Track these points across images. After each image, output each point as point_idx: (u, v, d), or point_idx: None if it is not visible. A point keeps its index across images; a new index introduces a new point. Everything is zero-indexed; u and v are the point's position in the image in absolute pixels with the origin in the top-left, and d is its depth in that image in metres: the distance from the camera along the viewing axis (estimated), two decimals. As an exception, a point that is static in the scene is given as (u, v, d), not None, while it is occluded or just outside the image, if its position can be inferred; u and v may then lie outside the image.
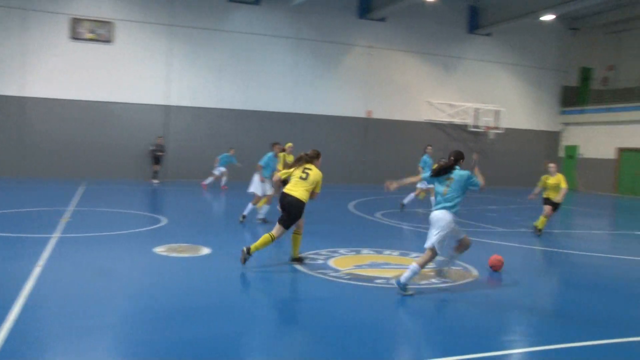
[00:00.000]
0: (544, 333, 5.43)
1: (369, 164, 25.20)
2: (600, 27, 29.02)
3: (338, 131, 24.56)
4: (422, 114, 26.14)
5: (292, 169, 7.70)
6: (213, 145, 22.42)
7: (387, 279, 7.06)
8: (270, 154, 11.71)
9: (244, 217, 11.57)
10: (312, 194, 7.56)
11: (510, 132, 26.99)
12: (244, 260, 7.32)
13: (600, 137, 27.28)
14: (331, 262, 7.93)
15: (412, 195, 14.93)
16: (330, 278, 7.05)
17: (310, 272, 7.31)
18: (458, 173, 6.59)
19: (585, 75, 29.72)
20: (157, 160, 21.10)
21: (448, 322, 5.66)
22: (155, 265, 7.56)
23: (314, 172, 7.61)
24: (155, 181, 20.56)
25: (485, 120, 26.39)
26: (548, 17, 24.52)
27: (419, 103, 26.08)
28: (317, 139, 23.64)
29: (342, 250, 8.82)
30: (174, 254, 8.12)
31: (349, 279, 7.01)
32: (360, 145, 25.20)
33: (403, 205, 14.81)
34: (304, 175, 7.55)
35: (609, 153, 26.82)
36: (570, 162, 28.95)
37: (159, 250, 8.33)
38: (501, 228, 12.67)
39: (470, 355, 4.56)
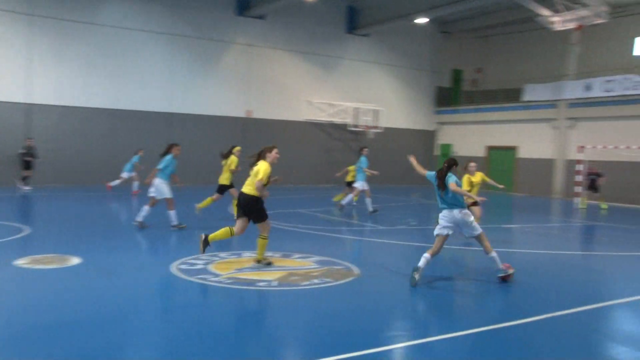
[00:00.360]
0: (425, 326, 5.75)
1: (249, 165, 25.12)
2: (469, 31, 31.34)
3: (217, 131, 24.22)
4: (302, 114, 26.58)
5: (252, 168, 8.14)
6: (84, 148, 21.19)
7: (269, 281, 7.09)
8: (169, 156, 11.27)
9: (140, 223, 11.15)
10: (255, 184, 7.87)
11: (389, 131, 28.26)
12: (203, 249, 7.90)
13: (471, 136, 29.45)
14: (211, 267, 7.81)
15: (350, 196, 15.49)
16: (211, 283, 6.94)
17: (188, 278, 7.14)
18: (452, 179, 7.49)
19: (457, 76, 31.97)
20: (27, 165, 19.26)
21: (329, 322, 5.79)
22: (16, 280, 6.98)
23: (257, 168, 8.04)
24: (26, 187, 18.85)
25: (365, 120, 27.44)
26: (421, 20, 26.00)
27: (299, 102, 26.50)
28: (195, 139, 23.18)
29: (222, 254, 8.72)
30: (39, 266, 7.55)
31: (230, 284, 6.95)
32: (241, 145, 24.99)
33: (342, 206, 15.43)
34: (251, 172, 8.06)
35: (480, 151, 29.02)
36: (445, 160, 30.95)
37: (21, 262, 7.70)
38: (383, 226, 13.21)
39: (351, 354, 4.69)
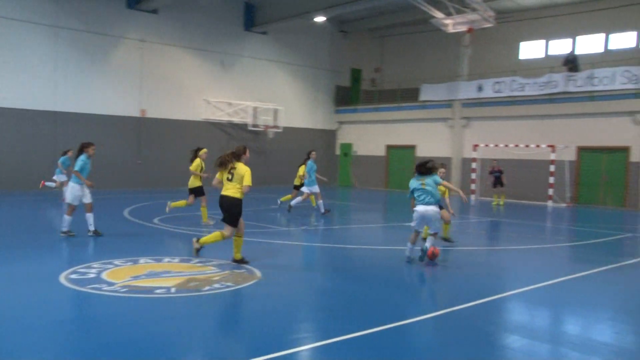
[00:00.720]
0: (328, 328, 5.85)
1: (144, 167, 24.31)
2: (368, 31, 32.31)
3: (109, 132, 23.20)
4: (200, 113, 26.09)
5: (222, 171, 8.48)
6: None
7: (168, 288, 6.91)
8: (82, 156, 10.61)
9: (67, 232, 10.51)
10: (243, 189, 8.33)
11: (289, 130, 28.44)
12: (196, 252, 8.60)
13: (371, 135, 30.33)
14: (105, 275, 7.48)
15: (299, 198, 15.86)
16: (104, 292, 6.64)
17: (80, 288, 6.79)
18: (431, 180, 8.93)
19: (356, 76, 32.81)
20: None
21: (232, 326, 5.75)
22: None
23: (238, 169, 8.37)
24: None
25: (265, 119, 27.42)
26: (320, 19, 26.43)
27: (196, 101, 25.99)
28: (85, 140, 22.05)
29: (117, 261, 8.37)
30: None
31: (126, 292, 6.69)
32: (135, 146, 24.16)
33: (290, 207, 15.82)
34: (229, 177, 8.41)
35: (380, 150, 29.97)
36: (346, 159, 31.64)
37: None
38: (283, 227, 13.27)
39: (255, 359, 4.69)
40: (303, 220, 14.56)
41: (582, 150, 22.88)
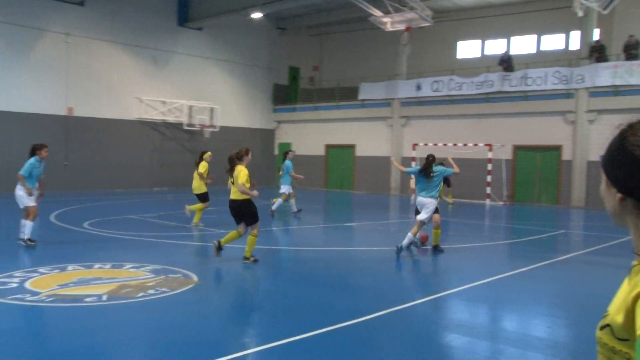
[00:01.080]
0: (267, 331, 5.83)
1: (72, 168, 23.47)
2: (305, 28, 32.42)
3: (33, 131, 22.19)
4: (132, 112, 25.41)
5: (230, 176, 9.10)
6: None
7: (99, 295, 6.70)
8: (32, 159, 10.05)
9: (28, 240, 9.98)
10: (239, 188, 8.79)
11: (226, 130, 28.14)
12: (218, 252, 9.12)
13: (310, 135, 30.44)
14: (28, 284, 7.17)
15: (280, 200, 15.98)
16: (28, 303, 6.38)
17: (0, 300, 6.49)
18: (437, 169, 10.06)
19: (294, 74, 32.86)
20: None
21: (167, 334, 5.64)
22: None
23: (236, 171, 8.92)
24: None
25: (200, 119, 27.00)
26: (256, 15, 26.26)
27: (128, 100, 25.30)
28: (5, 140, 21.09)
29: (42, 269, 8.05)
30: None
31: (52, 302, 6.44)
32: (61, 147, 23.23)
33: (273, 213, 15.74)
34: (232, 181, 9.03)
35: (319, 149, 30.12)
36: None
37: None
38: (222, 230, 13.12)
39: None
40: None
41: (517, 149, 23.78)
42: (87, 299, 6.57)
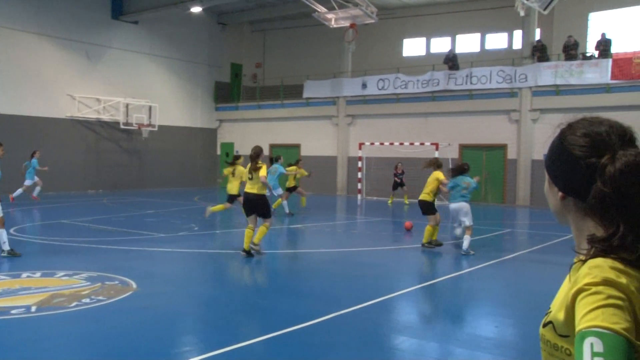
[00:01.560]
0: (208, 340, 5.74)
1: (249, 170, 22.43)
2: (247, 24, 32.21)
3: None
4: (63, 110, 24.55)
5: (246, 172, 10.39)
6: None
7: (27, 307, 6.43)
8: None
9: (9, 251, 9.38)
10: (261, 179, 9.87)
11: (165, 129, 27.61)
12: (259, 253, 10.05)
13: (254, 134, 30.21)
14: (-51, 298, 6.82)
15: (284, 202, 16.95)
16: (-52, 318, 6.05)
17: None
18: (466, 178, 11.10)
19: (236, 71, 32.58)
20: None
21: (103, 346, 5.47)
22: None
23: (261, 167, 9.96)
24: None
25: (138, 117, 26.35)
26: (196, 9, 25.87)
27: (59, 97, 24.42)
28: None
29: (-36, 281, 7.67)
30: None
31: (-24, 315, 6.14)
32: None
33: (290, 213, 16.94)
34: (250, 176, 10.12)
35: (263, 149, 29.89)
36: (227, 160, 31.26)
37: None
38: (162, 234, 12.88)
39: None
40: (183, 226, 14.21)
41: (464, 148, 24.36)
42: (14, 311, 6.29)
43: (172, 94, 28.94)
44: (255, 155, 10.29)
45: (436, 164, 12.12)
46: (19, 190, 18.38)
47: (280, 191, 16.97)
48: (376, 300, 7.28)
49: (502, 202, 23.56)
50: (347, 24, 24.52)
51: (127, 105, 26.08)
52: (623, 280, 1.23)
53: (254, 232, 10.03)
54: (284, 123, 29.27)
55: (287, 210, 17.12)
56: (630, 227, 1.28)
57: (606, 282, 1.23)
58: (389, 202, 22.66)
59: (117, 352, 5.16)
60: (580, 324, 1.19)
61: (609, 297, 1.21)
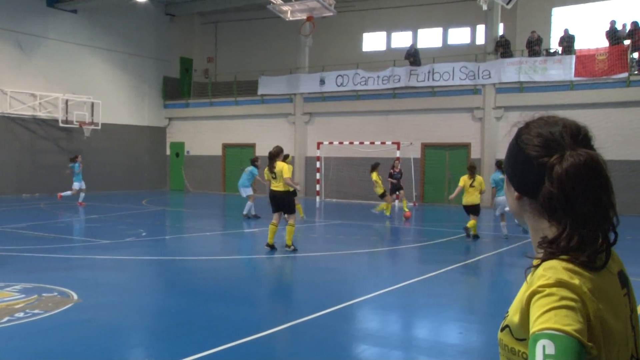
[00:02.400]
0: (159, 352, 5.63)
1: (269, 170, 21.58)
2: (198, 16, 31.87)
3: None
4: (-5, 107, 23.79)
5: (267, 172, 11.26)
6: None
7: (-44, 322, 6.18)
8: None
9: None
10: (285, 181, 10.89)
11: (109, 128, 27.06)
12: (273, 249, 11.03)
13: (206, 133, 29.95)
14: None
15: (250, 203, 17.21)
16: None
17: None
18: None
19: (186, 66, 32.18)
20: None
21: (49, 359, 5.31)
22: None
23: (278, 167, 10.98)
24: None
25: (79, 115, 25.70)
26: (142, -1, 25.44)
27: (-9, 92, 23.66)
28: None
29: None
30: None
31: None
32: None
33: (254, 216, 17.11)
34: (273, 175, 11.07)
35: (216, 149, 29.70)
36: (178, 160, 30.92)
37: None
38: (106, 240, 12.61)
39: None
40: (130, 232, 13.95)
41: (426, 147, 24.66)
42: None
43: (116, 90, 28.35)
44: (275, 154, 11.12)
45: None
46: (68, 192, 20.08)
47: (250, 191, 17.48)
48: (336, 307, 7.28)
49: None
50: (304, 16, 24.49)
51: (66, 102, 25.43)
52: (576, 281, 1.29)
53: (277, 228, 11.16)
54: (237, 121, 29.08)
55: (253, 213, 17.39)
56: (576, 227, 1.33)
57: (559, 284, 1.29)
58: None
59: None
60: (533, 327, 1.24)
61: (562, 298, 1.26)
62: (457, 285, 9.14)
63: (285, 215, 11.18)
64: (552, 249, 1.36)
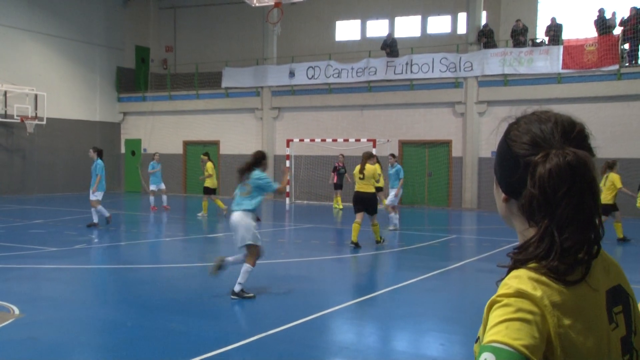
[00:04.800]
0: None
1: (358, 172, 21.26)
2: (154, 1, 31.54)
3: None
4: None
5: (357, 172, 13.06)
6: None
7: None
8: None
9: None
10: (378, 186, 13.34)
11: (55, 123, 26.64)
12: (358, 247, 12.49)
13: (164, 129, 29.68)
14: None
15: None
16: None
17: None
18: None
19: (143, 56, 31.83)
20: None
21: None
22: None
23: (368, 170, 12.77)
24: None
25: (20, 108, 25.20)
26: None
27: None
28: None
29: None
30: None
31: None
32: None
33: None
34: (361, 176, 12.82)
35: (176, 147, 29.43)
36: (133, 159, 30.57)
37: None
38: (53, 247, 12.40)
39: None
40: (80, 238, 13.74)
41: (404, 144, 24.77)
42: None
43: (63, 81, 27.85)
44: (367, 157, 12.97)
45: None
46: (152, 198, 20.91)
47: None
48: (307, 318, 7.25)
49: (447, 205, 24.11)
50: (271, 2, 24.40)
51: (5, 93, 24.90)
52: (538, 292, 1.29)
53: (360, 227, 12.59)
54: (199, 117, 28.90)
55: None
56: (551, 233, 1.32)
57: (519, 294, 1.29)
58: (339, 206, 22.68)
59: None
60: (484, 338, 1.27)
61: (518, 310, 1.27)
62: (438, 293, 9.18)
63: (371, 216, 12.82)
64: (519, 256, 1.35)
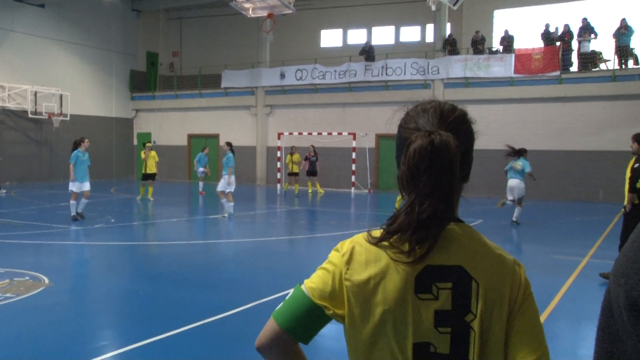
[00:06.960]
0: (127, 333, 5.63)
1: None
2: (163, 12, 31.30)
3: None
4: (-35, 98, 23.02)
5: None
6: None
7: None
8: None
9: None
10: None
11: (77, 119, 26.48)
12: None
13: (171, 124, 29.56)
14: None
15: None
16: None
17: None
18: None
19: (152, 60, 31.63)
20: None
21: (13, 347, 5.24)
22: None
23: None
24: None
25: (48, 106, 25.09)
26: (109, -5, 24.87)
27: (-40, 84, 22.85)
28: None
29: None
30: None
31: None
32: None
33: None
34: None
35: (181, 139, 29.36)
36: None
37: None
38: (77, 226, 12.41)
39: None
40: (99, 219, 13.74)
41: (380, 137, 24.85)
42: None
43: (84, 83, 27.74)
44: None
45: None
46: (201, 184, 21.62)
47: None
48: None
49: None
50: (264, 13, 24.33)
51: (35, 94, 24.77)
52: (344, 248, 1.39)
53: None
54: (202, 113, 28.80)
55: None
56: (411, 204, 1.31)
57: (335, 249, 1.43)
58: (320, 190, 22.63)
59: (28, 352, 4.96)
60: None
61: (327, 261, 1.41)
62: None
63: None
64: (390, 228, 1.33)
